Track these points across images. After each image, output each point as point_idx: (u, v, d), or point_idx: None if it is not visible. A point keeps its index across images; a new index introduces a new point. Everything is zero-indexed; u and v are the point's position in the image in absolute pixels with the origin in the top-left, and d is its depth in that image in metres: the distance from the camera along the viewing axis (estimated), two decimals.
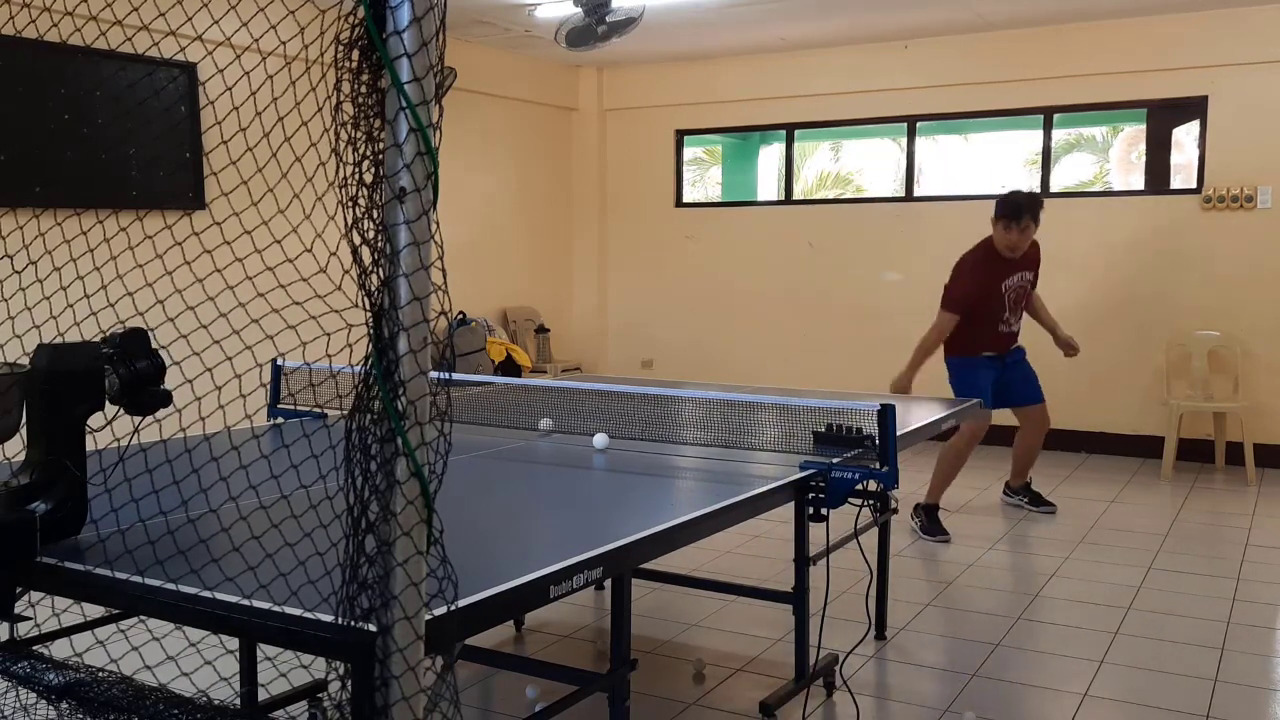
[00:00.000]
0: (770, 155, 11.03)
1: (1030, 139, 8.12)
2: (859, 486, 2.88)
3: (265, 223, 2.04)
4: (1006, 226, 5.38)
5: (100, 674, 1.76)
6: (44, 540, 1.89)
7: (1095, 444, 7.41)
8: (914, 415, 3.70)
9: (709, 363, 8.57)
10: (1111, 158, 11.66)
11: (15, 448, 1.98)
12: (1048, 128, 7.58)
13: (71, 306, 2.05)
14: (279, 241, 2.00)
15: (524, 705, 3.29)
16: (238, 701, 2.85)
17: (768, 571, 4.60)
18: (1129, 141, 11.03)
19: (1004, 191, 5.53)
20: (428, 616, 1.54)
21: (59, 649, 2.04)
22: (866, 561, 3.38)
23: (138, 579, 1.76)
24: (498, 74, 8.09)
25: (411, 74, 1.45)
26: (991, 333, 5.51)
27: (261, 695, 2.91)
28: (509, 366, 7.83)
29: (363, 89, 1.50)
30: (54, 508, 1.92)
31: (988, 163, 10.48)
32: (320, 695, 3.07)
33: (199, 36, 3.18)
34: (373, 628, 1.51)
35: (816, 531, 2.97)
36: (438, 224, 1.51)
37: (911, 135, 8.06)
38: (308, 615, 1.58)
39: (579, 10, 5.77)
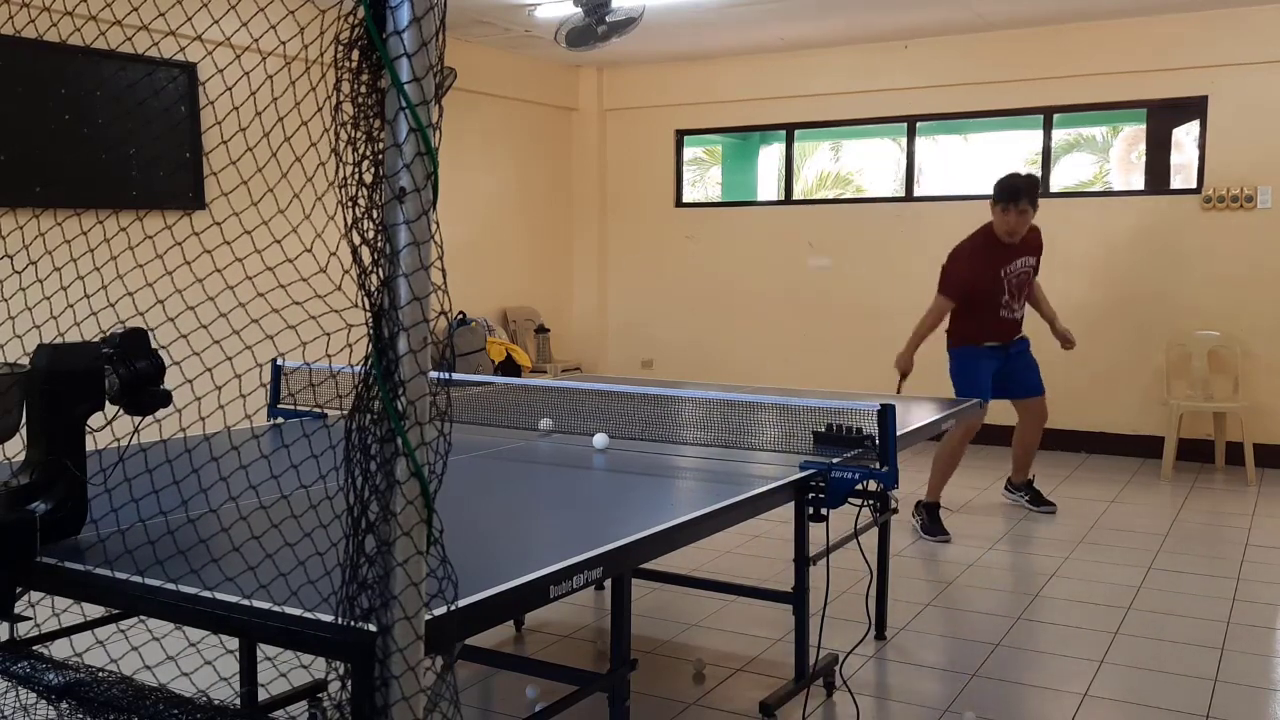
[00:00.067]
0: (770, 155, 11.04)
1: (1030, 139, 8.12)
2: (859, 486, 2.88)
3: (265, 223, 2.04)
4: (1004, 209, 5.37)
5: (100, 674, 1.76)
6: (44, 540, 1.89)
7: (1095, 444, 7.41)
8: (914, 415, 3.70)
9: (709, 363, 8.57)
10: (1111, 158, 11.66)
11: (15, 448, 1.98)
12: (1048, 128, 7.58)
13: (71, 306, 2.05)
14: (279, 241, 2.00)
15: (524, 705, 3.29)
16: (238, 701, 2.85)
17: (768, 571, 4.60)
18: (1129, 141, 11.03)
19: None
20: (428, 616, 1.54)
21: (59, 649, 2.04)
22: (866, 561, 3.38)
23: (138, 579, 1.76)
24: (498, 74, 8.09)
25: (411, 74, 1.45)
26: (994, 319, 5.50)
27: (261, 695, 2.91)
28: (509, 366, 7.83)
29: (363, 89, 1.50)
30: (54, 508, 1.92)
31: (988, 163, 10.47)
32: (320, 695, 3.07)
33: (199, 36, 3.18)
34: (373, 628, 1.51)
35: (816, 531, 2.97)
36: (438, 224, 1.51)
37: (911, 135, 8.07)
38: (308, 615, 1.58)
39: (579, 10, 5.77)
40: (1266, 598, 4.38)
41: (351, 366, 1.73)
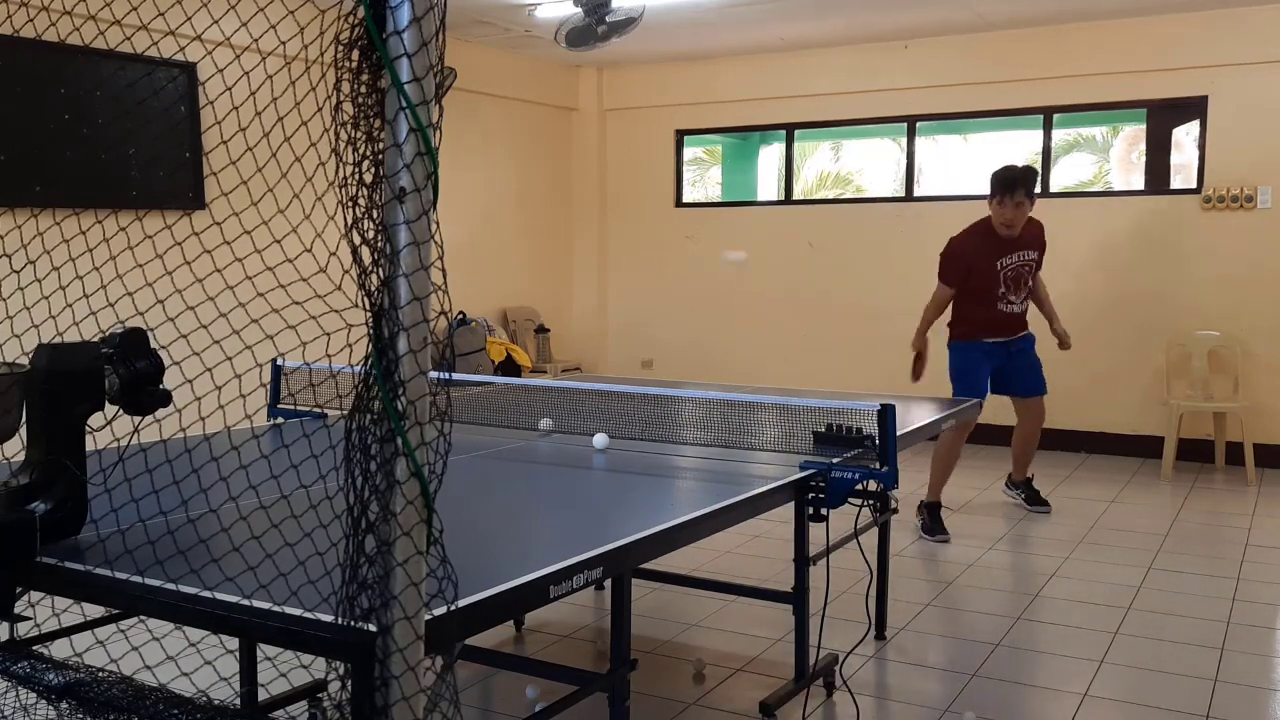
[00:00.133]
0: (770, 155, 11.04)
1: (1030, 139, 8.11)
2: (859, 486, 2.88)
3: (265, 223, 2.04)
4: (1000, 202, 5.37)
5: (100, 674, 1.76)
6: (44, 540, 1.89)
7: (1095, 444, 7.41)
8: (914, 415, 3.70)
9: (709, 363, 8.57)
10: (1111, 158, 11.67)
11: (15, 448, 1.98)
12: (1048, 128, 7.58)
13: (71, 306, 2.05)
14: (279, 241, 1.99)
15: (524, 705, 3.29)
16: (238, 701, 2.85)
17: (768, 571, 4.60)
18: (1129, 141, 11.04)
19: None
20: (428, 616, 1.54)
21: (59, 649, 2.04)
22: (866, 561, 3.38)
23: (138, 579, 1.76)
24: (498, 74, 8.09)
25: (411, 74, 1.45)
26: (990, 312, 5.49)
27: (261, 695, 2.91)
28: (509, 366, 7.83)
29: (363, 89, 1.50)
30: (54, 508, 1.92)
31: (988, 163, 10.47)
32: (320, 695, 3.07)
33: (199, 36, 3.19)
34: (373, 628, 1.51)
35: (816, 531, 2.97)
36: (438, 224, 1.51)
37: (911, 135, 8.07)
38: (308, 615, 1.58)
39: (579, 10, 5.77)
40: (1266, 598, 4.38)
41: (351, 366, 1.73)
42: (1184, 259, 7.10)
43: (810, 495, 2.82)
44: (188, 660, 1.94)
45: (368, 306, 1.51)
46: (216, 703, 1.70)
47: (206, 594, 1.68)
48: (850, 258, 8.16)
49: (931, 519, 5.38)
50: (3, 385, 1.89)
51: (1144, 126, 8.33)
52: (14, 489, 1.90)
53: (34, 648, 1.96)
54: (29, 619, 1.95)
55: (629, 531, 2.18)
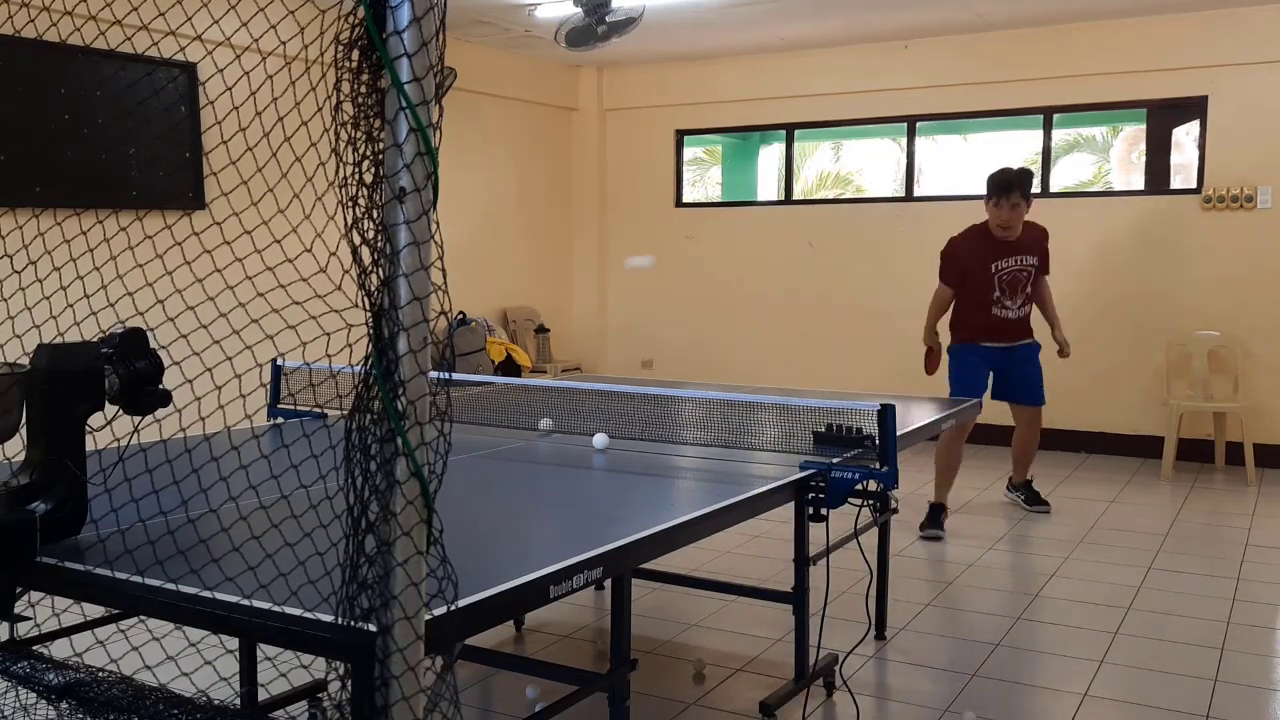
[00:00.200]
0: (770, 155, 11.04)
1: (1030, 139, 8.12)
2: (859, 486, 2.88)
3: (265, 223, 2.04)
4: (996, 203, 5.37)
5: (100, 674, 1.76)
6: (44, 540, 1.89)
7: (1095, 444, 7.41)
8: (914, 415, 3.70)
9: (709, 363, 8.57)
10: (1111, 158, 11.67)
11: (15, 448, 1.98)
12: (1048, 128, 7.58)
13: (71, 306, 2.05)
14: (279, 241, 2.00)
15: (524, 705, 3.29)
16: (238, 701, 2.85)
17: (768, 571, 4.60)
18: (1129, 141, 11.03)
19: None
20: (428, 616, 1.54)
21: (59, 649, 2.04)
22: (866, 561, 3.38)
23: (138, 579, 1.76)
24: (498, 74, 8.09)
25: (411, 74, 1.45)
26: (984, 315, 5.48)
27: (261, 695, 2.91)
28: (509, 366, 7.83)
29: (363, 89, 1.50)
30: (54, 508, 1.92)
31: (988, 163, 10.47)
32: (320, 695, 3.07)
33: (199, 36, 3.19)
34: (373, 628, 1.51)
35: (816, 531, 2.97)
36: (438, 224, 1.51)
37: (911, 135, 8.06)
38: (308, 615, 1.58)
39: (579, 10, 5.77)
40: (1266, 598, 4.38)
41: (351, 366, 1.73)
42: (1184, 259, 7.10)
43: (810, 495, 2.82)
44: (188, 660, 1.94)
45: (368, 306, 1.51)
46: (216, 703, 1.70)
47: (206, 594, 1.68)
48: (850, 258, 8.16)
49: (929, 517, 5.39)
50: (3, 385, 1.89)
51: (1144, 126, 8.33)
52: (14, 489, 1.90)
53: (34, 648, 1.96)
54: (29, 619, 1.95)
55: (629, 531, 2.18)
